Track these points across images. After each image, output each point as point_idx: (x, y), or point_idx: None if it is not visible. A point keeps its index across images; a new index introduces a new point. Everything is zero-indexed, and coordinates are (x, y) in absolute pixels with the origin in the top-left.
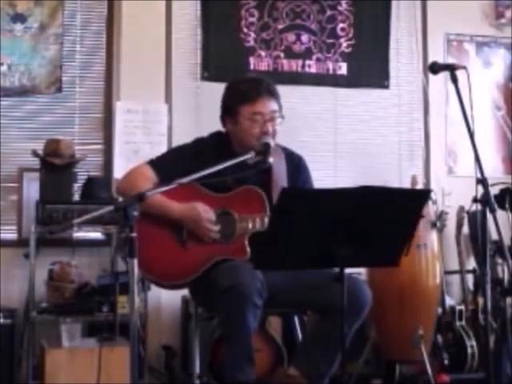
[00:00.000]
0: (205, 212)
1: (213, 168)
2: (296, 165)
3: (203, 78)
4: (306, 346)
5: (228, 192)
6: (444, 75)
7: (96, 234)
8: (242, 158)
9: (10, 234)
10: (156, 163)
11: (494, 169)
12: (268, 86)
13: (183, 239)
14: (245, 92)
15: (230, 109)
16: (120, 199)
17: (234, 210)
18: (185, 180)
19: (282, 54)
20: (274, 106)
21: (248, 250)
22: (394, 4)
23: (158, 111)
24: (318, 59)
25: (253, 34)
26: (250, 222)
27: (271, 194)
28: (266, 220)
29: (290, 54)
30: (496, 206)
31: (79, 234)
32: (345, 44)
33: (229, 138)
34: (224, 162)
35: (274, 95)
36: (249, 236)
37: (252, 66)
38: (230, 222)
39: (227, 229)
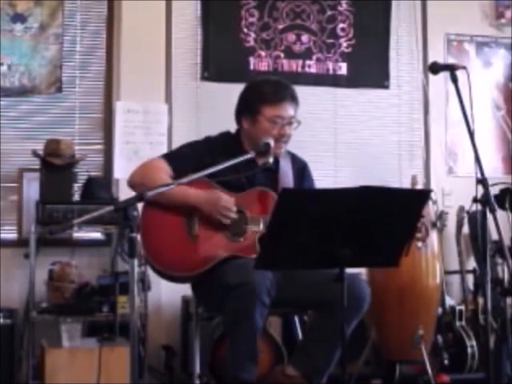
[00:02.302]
0: (226, 197)
1: (220, 165)
2: (301, 170)
3: (203, 78)
4: (305, 344)
5: (241, 191)
6: (444, 75)
7: (96, 234)
8: (242, 158)
9: (10, 234)
10: (169, 157)
11: (493, 169)
12: (292, 91)
13: (195, 232)
14: (270, 93)
15: (250, 107)
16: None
17: (246, 210)
18: (184, 180)
19: (282, 54)
20: (294, 111)
21: (258, 249)
22: (394, 4)
23: (158, 111)
24: (318, 59)
25: (253, 34)
26: (262, 222)
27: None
28: None
29: (290, 54)
30: (496, 206)
31: (79, 234)
32: (345, 44)
33: (238, 137)
34: (230, 160)
35: (296, 101)
36: (259, 236)
37: (252, 66)
38: (242, 220)
39: (238, 227)
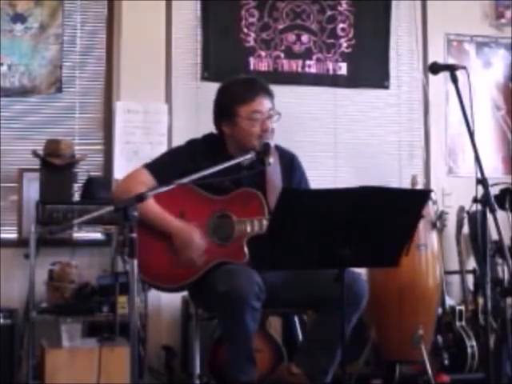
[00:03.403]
0: (199, 241)
1: (210, 169)
2: (290, 163)
3: (203, 78)
4: (307, 343)
5: (226, 194)
6: (444, 75)
7: (96, 234)
8: (242, 159)
9: (10, 234)
10: (152, 166)
11: (493, 169)
12: (263, 84)
13: None
14: (241, 93)
15: (226, 111)
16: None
17: (232, 213)
18: (184, 181)
19: (282, 54)
20: (271, 104)
21: (246, 253)
22: (393, 4)
23: (158, 111)
24: (318, 59)
25: (253, 34)
26: (249, 224)
27: (266, 195)
28: (265, 223)
29: (290, 54)
30: (496, 206)
31: (79, 234)
32: (345, 44)
33: (222, 139)
34: (218, 162)
35: (269, 93)
36: (247, 239)
37: (252, 66)
38: (229, 224)
39: (225, 231)
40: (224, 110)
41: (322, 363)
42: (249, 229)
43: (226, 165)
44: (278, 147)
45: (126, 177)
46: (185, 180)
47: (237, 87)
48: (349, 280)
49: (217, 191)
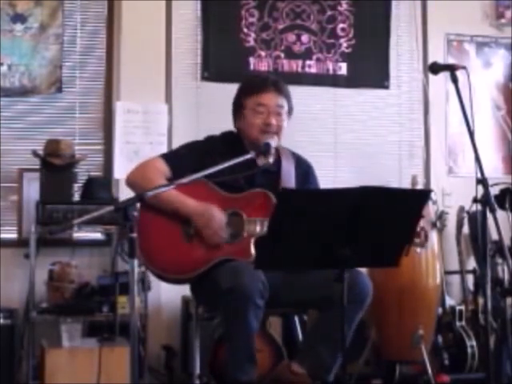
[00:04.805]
0: (219, 217)
1: (218, 166)
2: (305, 172)
3: (203, 78)
4: (309, 341)
5: (240, 192)
6: (444, 75)
7: (96, 234)
8: (241, 159)
9: (10, 234)
10: (169, 157)
11: (494, 169)
12: (275, 81)
13: (190, 234)
14: (250, 85)
15: (237, 104)
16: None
17: (243, 212)
18: (184, 181)
19: (282, 55)
20: (280, 101)
21: (253, 252)
22: (393, 4)
23: (158, 111)
24: (318, 59)
25: (253, 34)
26: (259, 224)
27: None
28: None
29: (290, 54)
30: (496, 206)
31: (79, 234)
32: (345, 44)
33: (240, 137)
34: (231, 160)
35: (280, 91)
36: (255, 239)
37: (252, 66)
38: (239, 223)
39: (235, 229)
40: (236, 103)
41: (325, 360)
42: (258, 229)
43: (228, 164)
44: (295, 155)
45: (142, 164)
46: (185, 180)
47: (249, 81)
48: (352, 278)
49: (231, 189)
